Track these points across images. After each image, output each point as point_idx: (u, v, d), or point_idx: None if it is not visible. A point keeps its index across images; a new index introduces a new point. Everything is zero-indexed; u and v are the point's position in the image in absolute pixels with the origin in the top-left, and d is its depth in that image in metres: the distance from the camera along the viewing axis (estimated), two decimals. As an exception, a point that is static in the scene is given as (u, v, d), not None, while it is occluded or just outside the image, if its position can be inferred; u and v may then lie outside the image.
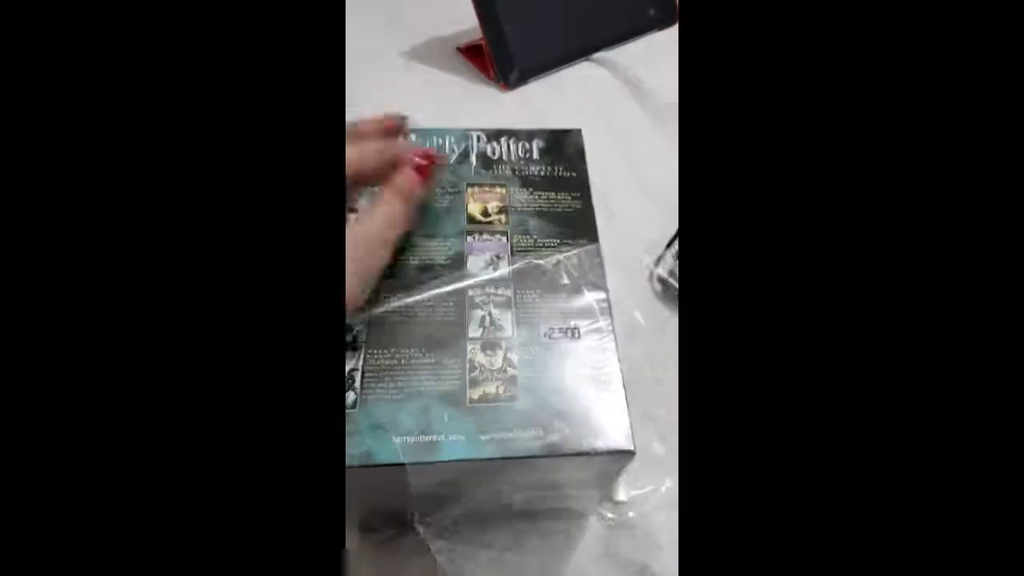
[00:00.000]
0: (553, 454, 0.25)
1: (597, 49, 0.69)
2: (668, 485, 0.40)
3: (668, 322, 0.49)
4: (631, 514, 0.39)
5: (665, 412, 0.44)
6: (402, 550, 0.38)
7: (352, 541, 0.38)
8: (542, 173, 0.35)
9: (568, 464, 0.27)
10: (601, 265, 0.31)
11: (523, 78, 0.65)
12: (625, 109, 0.64)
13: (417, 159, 0.29)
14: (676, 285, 0.50)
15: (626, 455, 0.26)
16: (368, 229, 0.27)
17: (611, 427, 0.26)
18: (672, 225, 0.54)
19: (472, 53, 0.67)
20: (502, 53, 0.63)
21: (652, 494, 0.40)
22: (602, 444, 0.26)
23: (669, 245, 0.52)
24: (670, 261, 0.51)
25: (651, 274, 0.51)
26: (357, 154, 0.28)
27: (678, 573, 0.18)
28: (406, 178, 0.29)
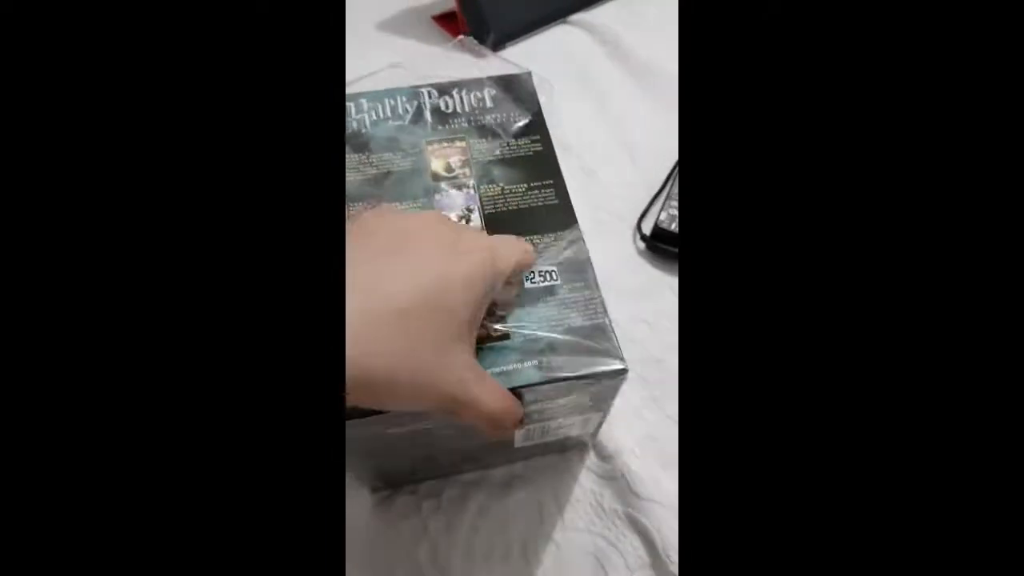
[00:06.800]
0: (554, 380, 0.26)
1: (573, 11, 0.67)
2: (652, 438, 0.40)
3: (653, 279, 0.48)
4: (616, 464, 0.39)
5: (652, 369, 0.43)
6: (393, 510, 0.38)
7: (351, 500, 0.38)
8: (498, 120, 0.34)
9: (568, 389, 0.27)
10: (569, 204, 0.31)
11: (499, 43, 0.64)
12: (603, 70, 0.62)
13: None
14: (660, 243, 0.49)
15: (620, 373, 0.27)
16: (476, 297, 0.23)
17: (603, 350, 0.27)
18: (653, 183, 0.53)
19: (447, 20, 0.65)
20: (476, 19, 0.62)
21: (637, 447, 0.40)
22: (598, 367, 0.27)
23: (652, 202, 0.51)
24: (654, 218, 0.50)
25: (634, 232, 0.50)
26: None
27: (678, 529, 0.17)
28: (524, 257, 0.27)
